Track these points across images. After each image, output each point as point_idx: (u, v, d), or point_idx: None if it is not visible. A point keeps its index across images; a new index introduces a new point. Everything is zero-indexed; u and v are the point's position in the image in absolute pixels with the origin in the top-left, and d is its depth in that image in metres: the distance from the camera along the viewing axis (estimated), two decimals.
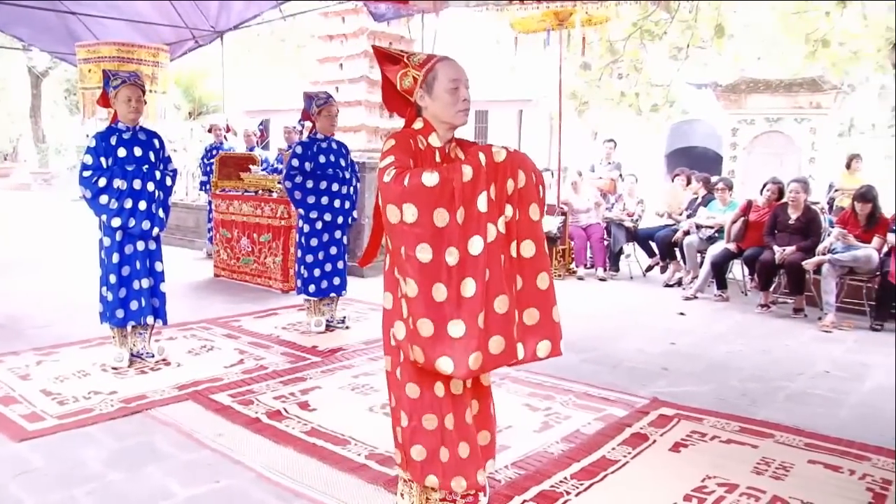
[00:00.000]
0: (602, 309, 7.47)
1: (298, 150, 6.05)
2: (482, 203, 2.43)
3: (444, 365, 2.45)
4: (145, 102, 5.10)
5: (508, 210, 2.51)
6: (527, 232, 2.56)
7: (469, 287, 2.43)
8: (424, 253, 2.41)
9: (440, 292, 2.43)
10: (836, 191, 11.06)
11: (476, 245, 2.43)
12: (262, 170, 9.23)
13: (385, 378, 2.86)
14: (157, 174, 5.06)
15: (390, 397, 2.83)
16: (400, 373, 2.70)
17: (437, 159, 2.69)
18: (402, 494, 2.93)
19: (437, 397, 2.66)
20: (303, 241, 6.15)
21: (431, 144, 2.70)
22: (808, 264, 7.13)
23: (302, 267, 6.17)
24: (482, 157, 2.45)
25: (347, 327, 6.37)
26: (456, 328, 2.43)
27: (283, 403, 4.42)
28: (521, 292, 2.57)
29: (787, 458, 3.76)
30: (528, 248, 2.57)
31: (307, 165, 5.99)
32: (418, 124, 2.72)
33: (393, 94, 2.78)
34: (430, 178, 2.38)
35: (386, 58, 2.75)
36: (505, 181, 2.48)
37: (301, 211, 6.09)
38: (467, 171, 2.41)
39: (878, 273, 6.94)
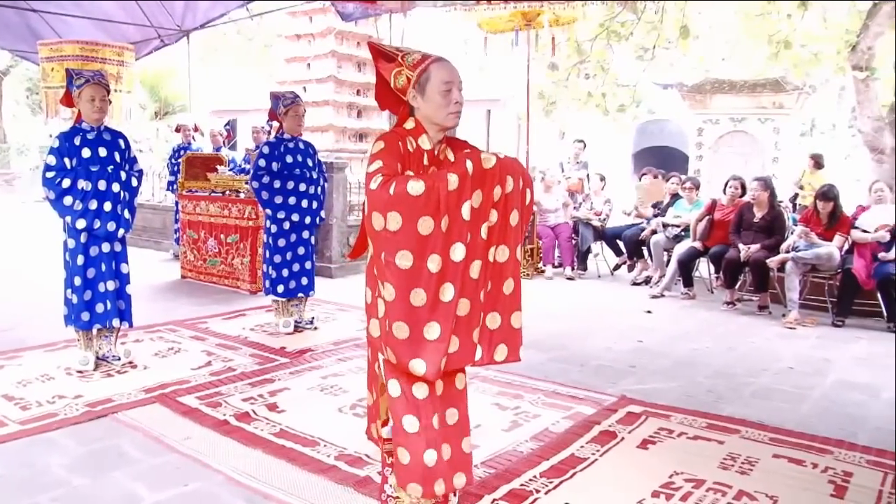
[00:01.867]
0: (570, 308, 7.51)
1: (265, 150, 6.01)
2: (466, 211, 2.42)
3: (417, 366, 2.45)
4: (110, 102, 5.03)
5: (493, 216, 2.51)
6: (504, 237, 2.56)
7: (448, 292, 2.44)
8: (404, 260, 2.40)
9: (419, 297, 2.42)
10: (801, 188, 11.26)
11: (458, 252, 2.43)
12: (230, 170, 9.16)
13: (368, 372, 2.85)
14: (123, 175, 4.98)
15: (367, 387, 2.85)
16: (381, 368, 2.68)
17: (426, 162, 2.66)
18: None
19: (417, 398, 2.61)
20: (270, 241, 6.11)
21: (421, 146, 2.66)
22: (772, 262, 7.24)
23: (270, 267, 6.13)
24: (469, 164, 2.44)
25: (316, 328, 6.34)
26: (431, 331, 2.44)
27: (252, 405, 4.39)
28: (487, 295, 2.57)
29: (753, 452, 3.81)
30: (502, 253, 2.57)
31: (274, 165, 5.95)
32: (409, 124, 2.68)
33: (386, 92, 2.74)
34: (416, 187, 2.37)
35: (380, 55, 2.71)
36: (492, 188, 2.47)
37: (268, 211, 6.05)
38: (453, 180, 2.40)
39: (839, 270, 7.07)
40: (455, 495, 2.98)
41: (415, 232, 2.38)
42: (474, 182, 2.44)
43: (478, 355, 2.58)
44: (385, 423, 2.76)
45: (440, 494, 2.67)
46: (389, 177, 2.44)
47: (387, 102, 2.79)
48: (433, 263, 2.41)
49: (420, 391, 2.60)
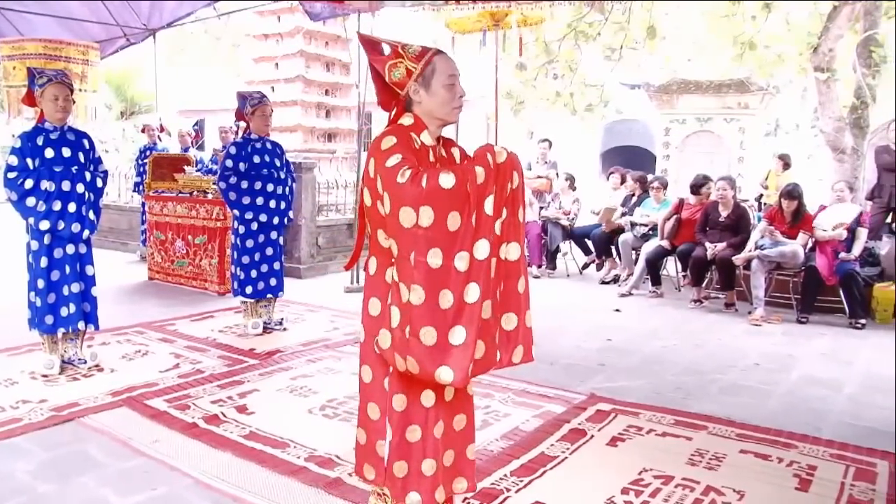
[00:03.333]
0: (539, 307, 7.48)
1: (232, 150, 5.95)
2: (489, 206, 2.35)
3: (444, 375, 2.32)
4: (74, 101, 4.95)
5: (503, 212, 2.43)
6: (515, 233, 2.47)
7: (472, 293, 2.32)
8: (436, 258, 2.28)
9: (446, 299, 2.30)
10: (766, 188, 11.41)
11: (482, 249, 2.33)
12: (197, 170, 9.07)
13: (358, 388, 2.66)
14: (87, 175, 4.90)
15: (364, 408, 2.63)
16: (388, 383, 2.54)
17: (431, 158, 2.56)
18: None
19: (423, 408, 2.55)
20: (238, 242, 6.06)
21: (424, 143, 2.55)
22: (738, 259, 7.33)
23: (238, 268, 6.08)
24: (489, 157, 2.38)
25: (285, 329, 6.30)
26: (457, 335, 2.32)
27: (221, 407, 4.35)
28: (502, 294, 2.49)
29: (720, 448, 3.86)
30: (514, 251, 2.47)
31: (241, 166, 5.90)
32: (407, 120, 2.56)
33: (381, 86, 2.60)
34: (448, 180, 2.27)
35: (372, 46, 2.59)
36: (506, 183, 2.41)
37: (236, 212, 5.99)
38: (480, 173, 2.32)
39: (803, 268, 7.18)
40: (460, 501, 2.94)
41: (445, 228, 2.27)
42: (496, 176, 2.37)
43: (497, 357, 2.49)
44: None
45: (441, 501, 2.64)
46: (417, 170, 2.33)
47: (383, 97, 2.64)
48: (461, 262, 2.30)
49: (428, 399, 2.54)
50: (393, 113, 2.61)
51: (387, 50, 2.58)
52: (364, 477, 2.67)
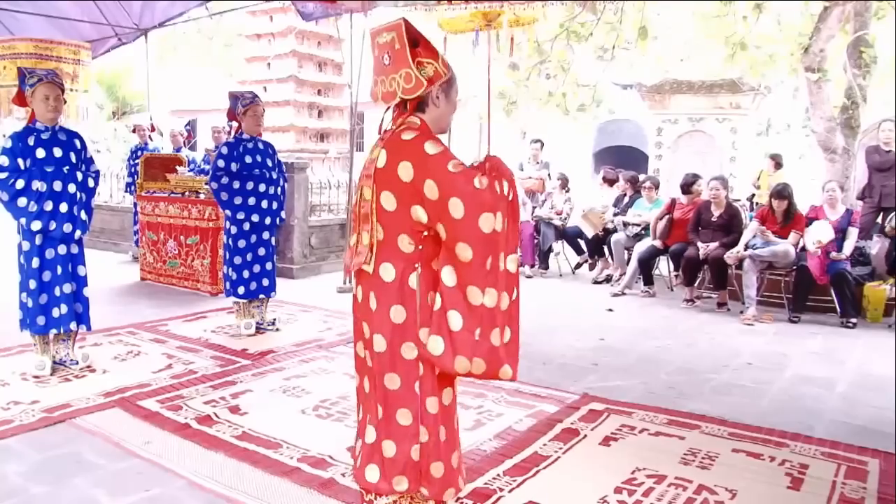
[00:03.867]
0: (532, 307, 7.53)
1: (224, 150, 5.94)
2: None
3: (505, 372, 2.47)
4: (65, 101, 4.93)
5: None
6: (513, 245, 2.51)
7: (515, 292, 2.50)
8: (512, 263, 2.45)
9: (509, 300, 2.46)
10: (758, 188, 11.43)
11: (515, 256, 2.50)
12: (189, 171, 9.04)
13: (381, 396, 2.62)
14: (79, 175, 4.89)
15: (393, 417, 2.61)
16: (420, 387, 2.58)
17: None
18: None
19: (446, 407, 2.66)
20: (230, 242, 6.04)
21: None
22: (729, 257, 7.35)
23: (230, 269, 6.06)
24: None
25: (278, 329, 6.29)
26: (510, 333, 2.49)
27: (214, 408, 4.34)
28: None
29: (713, 447, 3.87)
30: (512, 263, 2.50)
31: (233, 166, 5.89)
32: (414, 121, 2.58)
33: (406, 78, 2.54)
34: (505, 188, 2.42)
35: (413, 36, 2.54)
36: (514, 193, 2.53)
37: (228, 212, 5.98)
38: (508, 183, 2.47)
39: (795, 267, 7.20)
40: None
41: (509, 233, 2.43)
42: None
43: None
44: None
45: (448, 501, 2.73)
46: (487, 174, 2.41)
47: (387, 91, 2.61)
48: (513, 264, 2.47)
49: (447, 398, 2.66)
50: (391, 109, 2.64)
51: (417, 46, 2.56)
52: (393, 489, 2.65)
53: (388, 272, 2.53)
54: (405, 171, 2.44)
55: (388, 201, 2.49)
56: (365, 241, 2.58)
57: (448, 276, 2.45)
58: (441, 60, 2.58)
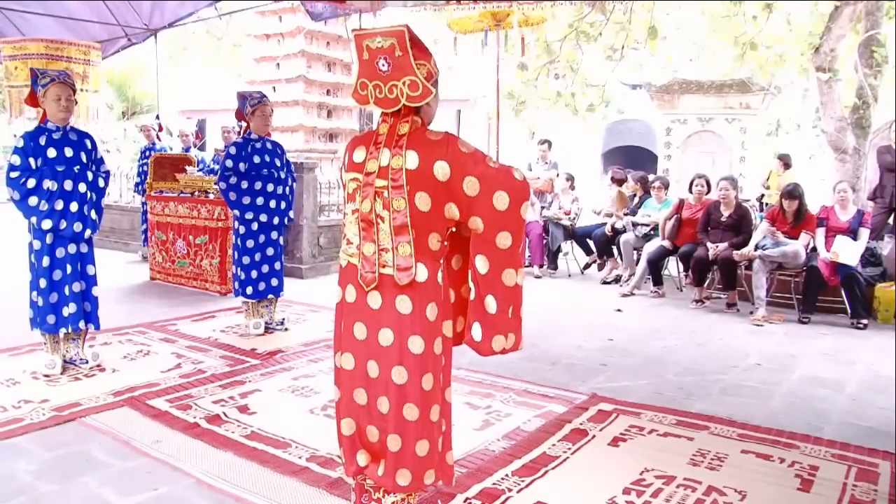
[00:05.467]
0: (541, 307, 7.53)
1: (232, 150, 5.96)
2: None
3: (522, 342, 2.75)
4: (76, 102, 4.95)
5: None
6: None
7: None
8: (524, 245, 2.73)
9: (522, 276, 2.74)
10: (767, 188, 11.40)
11: None
12: (199, 171, 9.07)
13: (416, 399, 2.65)
14: (89, 175, 4.91)
15: (427, 415, 2.68)
16: (443, 379, 2.75)
17: None
18: None
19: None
20: (239, 242, 6.06)
21: None
22: (738, 256, 7.32)
23: (239, 269, 6.08)
24: None
25: (286, 329, 6.30)
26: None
27: (222, 407, 4.35)
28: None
29: (722, 448, 3.85)
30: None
31: (242, 166, 5.90)
32: (417, 121, 2.66)
33: (411, 84, 2.60)
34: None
35: (416, 42, 2.59)
36: None
37: (236, 212, 6.00)
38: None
39: (805, 268, 7.17)
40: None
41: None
42: None
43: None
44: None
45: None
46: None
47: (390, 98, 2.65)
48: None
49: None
50: (388, 113, 2.66)
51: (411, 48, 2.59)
52: (423, 485, 2.76)
53: (421, 272, 2.61)
54: (441, 170, 2.53)
55: (423, 202, 2.55)
56: (407, 251, 2.59)
57: (482, 264, 2.61)
58: (432, 60, 2.64)
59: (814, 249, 7.21)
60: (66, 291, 4.89)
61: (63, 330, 4.94)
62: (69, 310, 4.91)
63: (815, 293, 7.15)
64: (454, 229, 2.77)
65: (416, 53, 2.55)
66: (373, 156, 2.63)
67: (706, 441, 3.96)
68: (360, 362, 2.73)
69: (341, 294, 2.80)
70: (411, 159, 2.55)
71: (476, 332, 2.66)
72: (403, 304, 2.61)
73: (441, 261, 2.69)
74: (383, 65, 2.56)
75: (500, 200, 2.54)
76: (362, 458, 2.78)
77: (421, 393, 2.64)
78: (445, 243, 2.71)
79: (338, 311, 2.85)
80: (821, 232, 7.19)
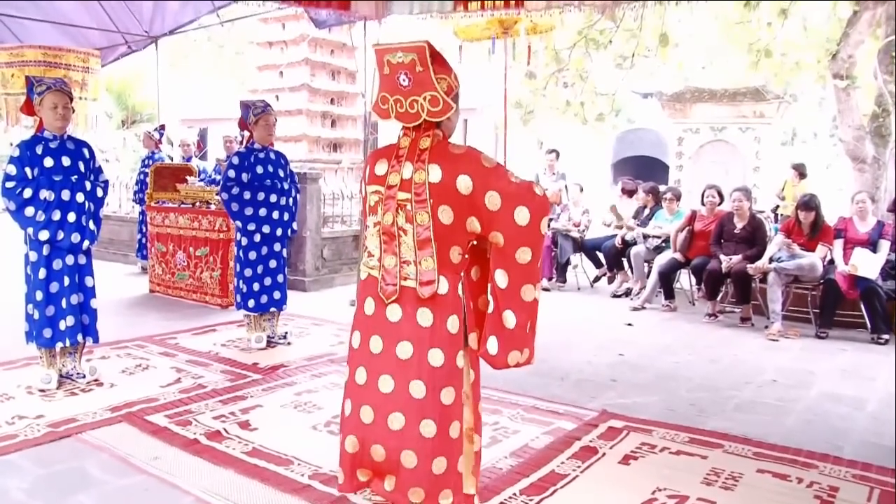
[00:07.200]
0: (549, 320, 7.47)
1: (235, 160, 5.97)
2: None
3: (534, 355, 2.84)
4: (73, 110, 4.98)
5: None
6: None
7: None
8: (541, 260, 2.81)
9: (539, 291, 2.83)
10: (782, 199, 11.36)
11: None
12: (200, 181, 9.09)
13: (436, 413, 2.72)
14: (88, 185, 4.92)
15: (446, 431, 2.74)
16: (472, 395, 2.84)
17: None
18: None
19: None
20: (241, 254, 6.07)
21: None
22: (752, 269, 7.28)
23: (241, 281, 6.08)
24: None
25: (289, 343, 6.29)
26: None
27: (223, 423, 4.34)
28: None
29: (737, 467, 3.83)
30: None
31: (244, 176, 5.91)
32: (439, 134, 2.77)
33: (432, 99, 2.71)
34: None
35: (436, 57, 2.70)
36: None
37: (239, 223, 6.01)
38: None
39: (822, 281, 7.13)
40: None
41: None
42: None
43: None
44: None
45: None
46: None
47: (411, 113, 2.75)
48: None
49: None
50: (409, 127, 2.77)
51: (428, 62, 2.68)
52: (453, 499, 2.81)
53: (443, 285, 2.69)
54: (464, 184, 2.64)
55: (446, 215, 2.65)
56: (430, 265, 2.68)
57: (501, 279, 2.68)
58: (453, 74, 2.73)
59: (831, 262, 7.17)
60: (64, 304, 4.89)
61: (60, 344, 4.94)
62: (66, 323, 4.90)
63: (833, 307, 7.10)
64: (475, 242, 2.84)
65: (436, 69, 2.64)
66: (394, 169, 2.72)
67: (720, 460, 3.93)
68: (372, 378, 2.77)
69: (359, 306, 2.86)
70: (434, 173, 2.64)
71: (492, 345, 2.70)
72: (424, 317, 2.68)
73: (462, 273, 2.76)
74: (404, 80, 2.66)
75: (521, 216, 2.62)
76: (363, 475, 2.84)
77: (440, 408, 2.69)
78: (466, 256, 2.78)
79: (354, 323, 2.90)
80: (839, 244, 7.15)
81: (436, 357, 2.68)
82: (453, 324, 2.71)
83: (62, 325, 4.89)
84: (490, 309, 2.75)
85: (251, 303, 6.08)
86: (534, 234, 2.66)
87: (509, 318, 2.68)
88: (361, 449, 2.82)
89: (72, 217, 4.81)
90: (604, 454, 3.98)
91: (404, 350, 2.69)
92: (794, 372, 5.80)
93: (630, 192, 9.96)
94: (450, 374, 2.71)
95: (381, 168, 2.79)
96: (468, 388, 2.88)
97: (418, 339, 2.69)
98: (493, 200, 2.62)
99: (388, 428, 2.73)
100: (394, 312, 2.73)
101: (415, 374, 2.68)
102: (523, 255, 2.65)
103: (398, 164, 2.72)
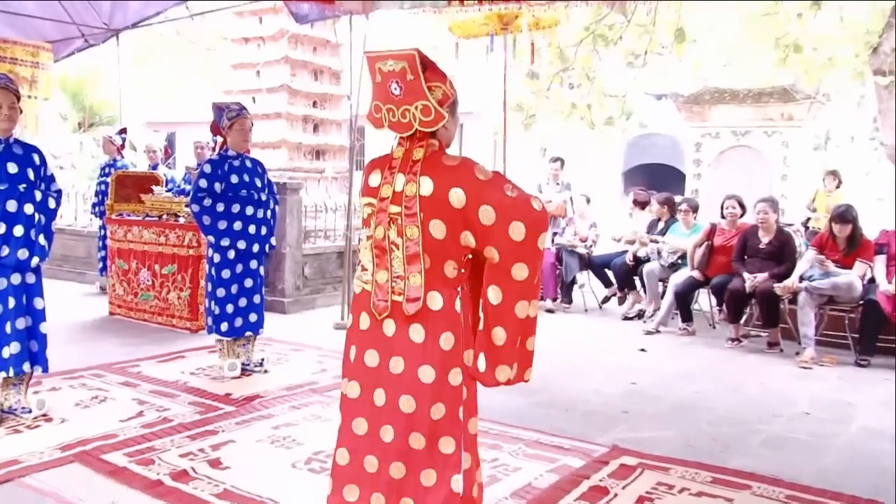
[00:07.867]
0: (553, 345, 7.47)
1: (207, 168, 5.97)
2: None
3: (529, 374, 2.90)
4: (21, 110, 4.94)
5: None
6: None
7: None
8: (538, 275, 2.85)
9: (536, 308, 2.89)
10: (814, 210, 11.37)
11: None
12: (167, 191, 9.07)
13: (425, 428, 2.82)
14: (38, 195, 4.88)
15: (433, 444, 2.83)
16: (463, 412, 2.86)
17: None
18: None
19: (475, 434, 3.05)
20: (213, 272, 6.05)
21: None
22: (780, 289, 7.25)
23: (213, 302, 6.06)
24: None
25: (266, 371, 6.27)
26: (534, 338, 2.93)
27: (191, 462, 4.31)
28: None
29: None
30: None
31: (217, 186, 5.91)
32: (434, 144, 2.84)
33: (423, 109, 2.80)
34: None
35: (426, 63, 2.78)
36: None
37: (211, 238, 6.00)
38: None
39: (861, 302, 7.10)
40: None
41: None
42: None
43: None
44: None
45: None
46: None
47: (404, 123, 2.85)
48: None
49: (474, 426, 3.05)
50: (404, 137, 2.85)
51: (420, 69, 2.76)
52: None
53: (435, 301, 2.80)
54: (457, 197, 2.72)
55: (438, 230, 2.75)
56: (417, 281, 2.80)
57: (494, 296, 2.76)
58: (448, 82, 2.83)
59: (872, 280, 7.14)
60: (8, 329, 4.82)
61: (2, 374, 4.87)
62: (10, 350, 4.82)
63: (875, 331, 7.08)
64: (471, 256, 2.93)
65: (428, 76, 2.75)
66: (387, 181, 2.85)
67: (747, 502, 3.91)
68: (367, 392, 2.91)
69: (354, 321, 2.98)
70: (426, 186, 2.75)
71: (481, 362, 2.82)
72: (416, 333, 2.81)
73: (459, 288, 2.87)
74: (395, 89, 2.78)
75: (516, 231, 2.69)
76: (351, 494, 2.94)
77: (429, 423, 2.81)
78: (463, 270, 2.89)
79: (349, 338, 3.02)
80: (881, 260, 7.11)
81: (426, 374, 2.79)
82: (447, 340, 2.79)
83: (5, 353, 4.81)
84: (480, 326, 2.86)
85: (224, 326, 6.05)
86: (531, 250, 2.73)
87: (499, 335, 2.78)
88: (353, 461, 2.94)
89: (18, 231, 4.75)
90: (615, 495, 3.96)
91: (397, 365, 2.83)
92: (831, 404, 5.78)
93: (643, 204, 9.98)
94: (441, 391, 2.80)
95: (374, 179, 2.91)
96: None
97: (410, 354, 2.81)
98: (487, 214, 2.70)
99: (381, 439, 2.87)
100: (388, 327, 2.86)
101: (405, 388, 2.81)
102: (520, 271, 2.73)
103: (391, 176, 2.84)
